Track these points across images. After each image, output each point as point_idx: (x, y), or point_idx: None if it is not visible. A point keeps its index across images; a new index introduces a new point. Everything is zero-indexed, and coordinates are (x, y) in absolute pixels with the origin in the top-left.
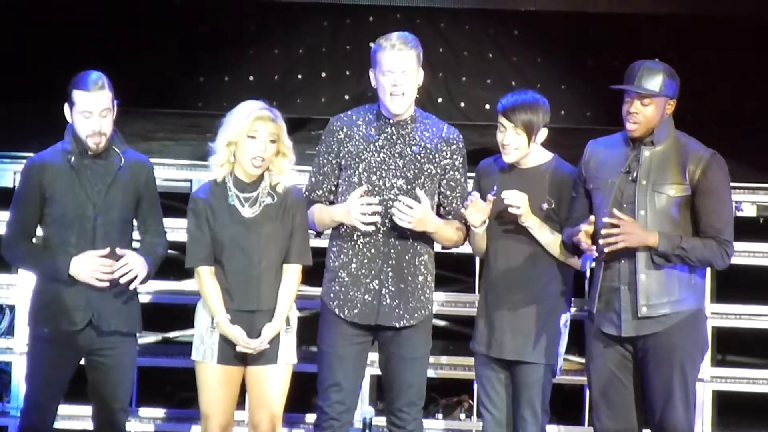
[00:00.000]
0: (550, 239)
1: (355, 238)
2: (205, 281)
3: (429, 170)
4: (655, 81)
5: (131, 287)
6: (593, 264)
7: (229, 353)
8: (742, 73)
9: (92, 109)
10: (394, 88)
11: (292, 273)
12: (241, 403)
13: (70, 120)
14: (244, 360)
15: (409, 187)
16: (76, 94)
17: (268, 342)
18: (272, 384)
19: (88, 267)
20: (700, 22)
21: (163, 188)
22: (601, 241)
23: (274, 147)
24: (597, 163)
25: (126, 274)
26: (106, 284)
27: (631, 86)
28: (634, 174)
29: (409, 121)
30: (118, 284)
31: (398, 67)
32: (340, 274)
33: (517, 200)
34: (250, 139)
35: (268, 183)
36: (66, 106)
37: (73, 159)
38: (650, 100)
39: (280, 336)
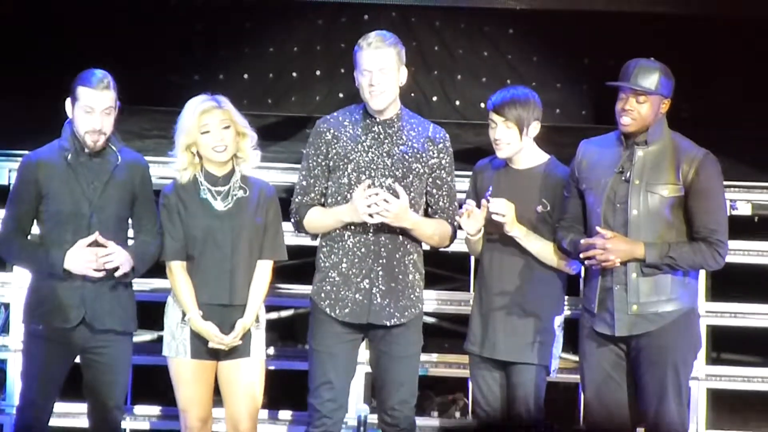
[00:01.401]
0: (540, 248)
1: (345, 237)
2: (177, 276)
3: (417, 169)
4: (650, 79)
5: (116, 275)
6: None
7: (201, 348)
8: (737, 72)
9: (94, 106)
10: (372, 87)
11: (264, 268)
12: (217, 402)
13: (71, 116)
14: (216, 354)
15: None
16: (80, 90)
17: (240, 338)
18: (248, 377)
19: (83, 258)
20: (696, 22)
21: (158, 186)
22: (586, 263)
23: (230, 131)
24: (590, 163)
25: (110, 262)
26: (102, 273)
27: (626, 83)
28: (628, 174)
29: (395, 120)
30: (113, 277)
31: (376, 65)
32: (330, 273)
33: (502, 209)
34: (205, 134)
35: (239, 176)
36: (68, 102)
37: (69, 156)
38: (645, 97)
39: (251, 331)
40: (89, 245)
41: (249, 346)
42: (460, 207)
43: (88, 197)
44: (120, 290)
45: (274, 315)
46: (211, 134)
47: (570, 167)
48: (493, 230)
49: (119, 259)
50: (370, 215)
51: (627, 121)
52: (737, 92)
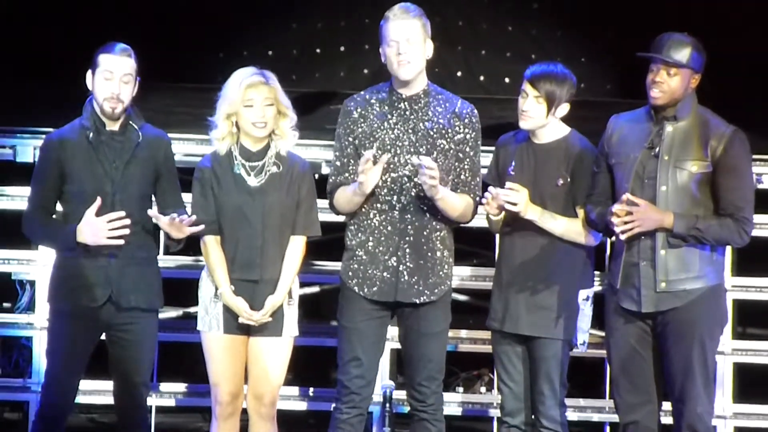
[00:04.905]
0: (557, 226)
1: (371, 216)
2: (210, 250)
3: (442, 145)
4: (682, 53)
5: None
6: (614, 238)
7: (233, 323)
8: (764, 45)
9: (114, 70)
10: (399, 56)
11: (297, 244)
12: None
13: (91, 87)
14: (248, 330)
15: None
16: (101, 58)
17: (271, 314)
18: (276, 356)
19: (95, 228)
20: None
21: (183, 163)
22: (616, 229)
23: (272, 110)
24: (620, 138)
25: (123, 228)
26: (121, 241)
27: (658, 55)
28: (657, 149)
29: (422, 96)
30: (141, 245)
31: (402, 35)
32: (357, 252)
33: (514, 198)
34: (248, 108)
35: (275, 152)
36: (89, 74)
37: (91, 135)
38: (676, 70)
39: (283, 308)
40: (97, 214)
41: (281, 325)
42: (485, 187)
43: (110, 176)
44: (145, 267)
45: (300, 291)
46: (254, 109)
47: (600, 142)
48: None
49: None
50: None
51: (657, 93)
52: (763, 63)
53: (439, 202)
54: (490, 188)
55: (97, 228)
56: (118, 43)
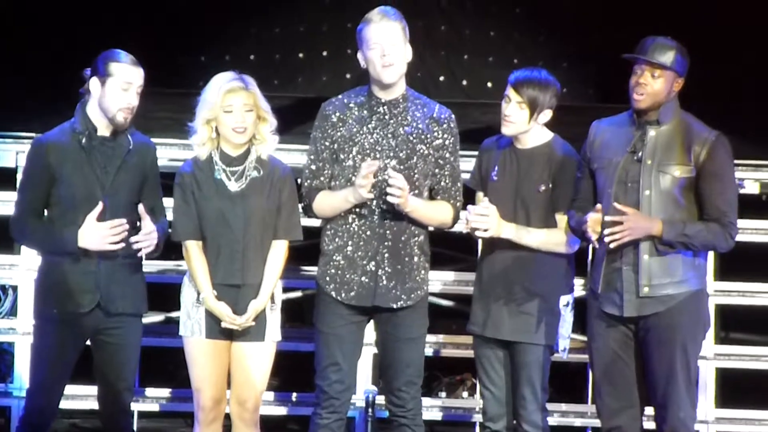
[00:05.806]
0: (535, 241)
1: (350, 220)
2: (192, 255)
3: (421, 150)
4: (667, 56)
5: (139, 254)
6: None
7: (216, 328)
8: (747, 50)
9: (133, 81)
10: (384, 58)
11: (279, 248)
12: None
13: (97, 94)
14: (231, 335)
15: (401, 167)
16: (115, 66)
17: (254, 319)
18: (259, 361)
19: (98, 234)
20: None
21: (166, 168)
22: (606, 239)
23: (252, 115)
24: (602, 143)
25: (125, 233)
26: (122, 246)
27: (643, 56)
28: (640, 154)
29: (401, 100)
30: (126, 257)
31: (385, 38)
32: (335, 257)
33: (482, 224)
34: (227, 114)
35: (255, 156)
36: (94, 81)
37: (84, 140)
38: (660, 72)
39: (266, 313)
40: (98, 219)
41: (264, 330)
42: (469, 192)
43: (101, 182)
44: (132, 273)
45: (282, 296)
46: (233, 115)
47: (582, 147)
48: (504, 200)
49: (151, 240)
50: (369, 191)
51: (640, 95)
52: (748, 69)
53: (412, 214)
54: (469, 207)
55: (101, 234)
56: (121, 51)
